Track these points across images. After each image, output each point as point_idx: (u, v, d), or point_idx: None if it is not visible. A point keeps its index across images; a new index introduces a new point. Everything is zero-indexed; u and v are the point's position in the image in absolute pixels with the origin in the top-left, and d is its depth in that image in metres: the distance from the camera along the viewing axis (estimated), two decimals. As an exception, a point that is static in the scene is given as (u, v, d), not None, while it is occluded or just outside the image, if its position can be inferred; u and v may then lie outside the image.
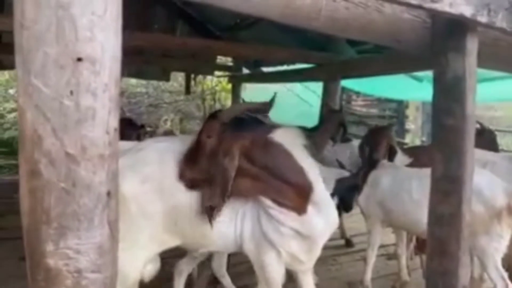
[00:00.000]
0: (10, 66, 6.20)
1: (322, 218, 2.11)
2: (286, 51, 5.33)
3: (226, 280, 2.97)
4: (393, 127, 4.08)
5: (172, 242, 2.15)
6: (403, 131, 8.87)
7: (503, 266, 2.69)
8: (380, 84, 5.97)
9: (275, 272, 2.15)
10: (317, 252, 2.22)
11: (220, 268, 2.94)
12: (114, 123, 0.97)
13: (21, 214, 0.96)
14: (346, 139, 4.57)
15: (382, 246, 3.67)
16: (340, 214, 2.32)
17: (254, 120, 2.03)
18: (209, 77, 10.74)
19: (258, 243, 2.14)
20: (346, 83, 6.03)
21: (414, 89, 5.74)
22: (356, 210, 3.34)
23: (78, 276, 0.95)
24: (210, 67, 8.06)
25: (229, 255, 2.97)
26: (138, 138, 4.21)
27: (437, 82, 1.86)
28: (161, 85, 11.92)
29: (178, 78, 11.54)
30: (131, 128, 4.62)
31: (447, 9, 1.41)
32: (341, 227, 4.31)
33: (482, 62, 1.83)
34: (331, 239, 2.55)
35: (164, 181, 2.02)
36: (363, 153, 3.55)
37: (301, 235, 2.09)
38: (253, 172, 1.97)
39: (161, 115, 11.77)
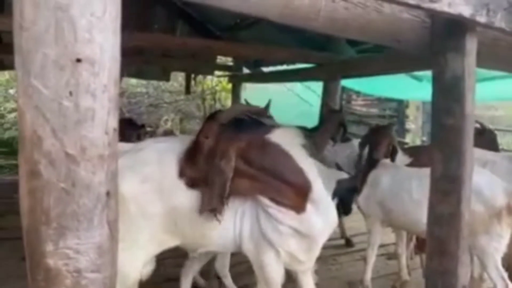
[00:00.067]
0: (11, 66, 6.20)
1: (321, 217, 2.11)
2: (286, 51, 5.33)
3: (228, 280, 2.98)
4: (393, 127, 4.07)
5: (171, 242, 2.15)
6: (403, 131, 8.86)
7: (503, 265, 2.70)
8: (380, 83, 5.97)
9: (275, 272, 2.16)
10: (317, 251, 2.22)
11: (223, 268, 2.95)
12: (114, 123, 0.98)
13: (21, 214, 0.97)
14: (346, 139, 4.57)
15: (382, 246, 3.67)
16: (339, 216, 2.32)
17: (253, 121, 2.03)
18: (209, 77, 10.73)
19: (257, 243, 2.14)
20: (346, 82, 6.03)
21: (414, 89, 5.75)
22: (356, 210, 3.34)
23: (77, 276, 0.95)
24: (210, 67, 8.06)
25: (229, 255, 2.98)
26: (138, 138, 4.22)
27: (437, 82, 1.87)
28: (161, 85, 11.91)
29: (178, 78, 11.54)
30: (131, 128, 4.62)
31: (446, 9, 1.41)
32: (341, 226, 4.31)
33: (481, 62, 1.84)
34: (331, 239, 2.56)
35: (163, 181, 2.03)
36: (361, 151, 3.55)
37: (300, 233, 2.09)
38: (250, 173, 1.98)
39: (161, 115, 11.77)
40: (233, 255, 2.88)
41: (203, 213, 1.95)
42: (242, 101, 6.27)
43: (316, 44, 5.09)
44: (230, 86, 8.72)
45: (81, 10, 0.88)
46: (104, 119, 0.95)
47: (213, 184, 1.90)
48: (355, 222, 4.17)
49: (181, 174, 2.01)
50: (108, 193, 0.98)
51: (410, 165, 3.37)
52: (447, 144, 1.82)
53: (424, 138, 8.64)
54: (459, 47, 1.74)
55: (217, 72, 8.72)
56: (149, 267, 2.15)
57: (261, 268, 2.17)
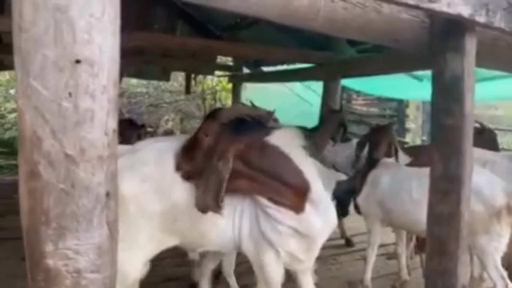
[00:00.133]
0: (11, 66, 6.21)
1: (320, 217, 2.11)
2: (286, 51, 5.34)
3: (232, 280, 2.98)
4: (393, 126, 4.07)
5: (171, 241, 2.15)
6: (403, 130, 8.86)
7: (503, 265, 2.70)
8: (380, 83, 5.97)
9: (274, 272, 2.16)
10: (316, 251, 2.23)
11: (229, 267, 2.96)
12: (113, 124, 0.98)
13: (20, 214, 0.97)
14: (346, 139, 4.58)
15: (382, 246, 3.67)
16: (338, 217, 2.32)
17: (254, 122, 2.03)
18: (209, 77, 10.74)
19: (257, 242, 2.14)
20: (346, 82, 6.03)
21: (414, 88, 5.75)
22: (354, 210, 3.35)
23: (77, 276, 0.96)
24: (210, 67, 8.06)
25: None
26: (139, 138, 4.22)
27: (436, 82, 1.87)
28: (161, 85, 11.92)
29: (178, 78, 11.55)
30: (131, 128, 4.63)
31: (445, 9, 1.41)
32: (341, 226, 4.31)
33: (481, 61, 1.84)
34: (331, 239, 2.56)
35: (163, 180, 2.03)
36: (359, 151, 3.56)
37: (300, 233, 2.09)
38: (249, 174, 1.98)
39: (161, 115, 11.78)
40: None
41: (199, 209, 1.93)
42: (244, 101, 6.27)
43: (316, 44, 5.09)
44: (230, 86, 8.72)
45: (80, 11, 0.88)
46: (103, 120, 0.95)
47: (208, 182, 1.90)
48: (355, 222, 4.17)
49: (178, 167, 2.01)
50: (107, 194, 0.98)
51: (410, 164, 3.37)
52: (446, 144, 1.82)
53: (424, 138, 8.64)
54: (459, 47, 1.74)
55: (217, 72, 8.73)
56: (145, 268, 2.15)
57: (261, 268, 2.18)
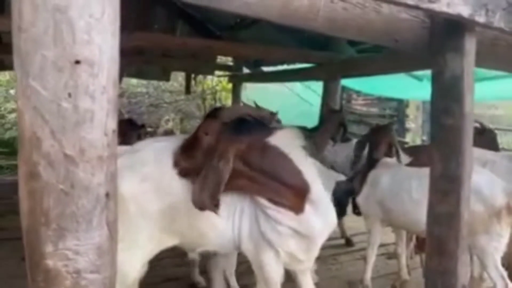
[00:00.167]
0: (11, 66, 6.19)
1: (320, 217, 2.11)
2: (286, 51, 5.34)
3: (233, 280, 2.99)
4: (393, 126, 4.07)
5: (170, 241, 2.15)
6: (403, 130, 8.87)
7: (503, 265, 2.70)
8: (380, 83, 5.97)
9: (274, 272, 2.16)
10: (316, 251, 2.22)
11: (231, 267, 2.96)
12: (113, 125, 0.98)
13: (20, 215, 0.97)
14: (346, 139, 4.58)
15: (382, 245, 3.67)
16: (337, 217, 2.33)
17: (255, 122, 2.02)
18: (209, 77, 10.74)
19: (257, 243, 2.14)
20: (346, 82, 6.03)
21: (414, 88, 5.75)
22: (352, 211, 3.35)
23: (77, 277, 0.96)
24: (210, 67, 8.06)
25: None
26: (139, 138, 4.22)
27: (436, 82, 1.87)
28: (161, 85, 11.92)
29: (178, 78, 11.54)
30: (131, 128, 4.62)
31: (444, 9, 1.41)
32: (341, 226, 4.31)
33: (481, 61, 1.84)
34: (331, 239, 2.56)
35: (162, 180, 2.03)
36: (358, 151, 3.56)
37: (299, 234, 2.09)
38: (249, 175, 1.98)
39: (161, 115, 11.78)
40: (233, 255, 2.89)
41: (195, 205, 1.92)
42: (245, 101, 6.27)
43: (316, 44, 5.09)
44: (230, 86, 8.72)
45: (79, 12, 0.88)
46: (103, 121, 0.95)
47: (206, 179, 1.89)
48: (355, 221, 4.17)
49: (175, 164, 2.00)
50: (107, 194, 0.98)
51: (410, 164, 3.37)
52: (446, 144, 1.82)
53: (424, 138, 8.65)
54: (458, 47, 1.74)
55: (217, 72, 8.72)
56: (144, 268, 2.15)
57: (260, 268, 2.18)
